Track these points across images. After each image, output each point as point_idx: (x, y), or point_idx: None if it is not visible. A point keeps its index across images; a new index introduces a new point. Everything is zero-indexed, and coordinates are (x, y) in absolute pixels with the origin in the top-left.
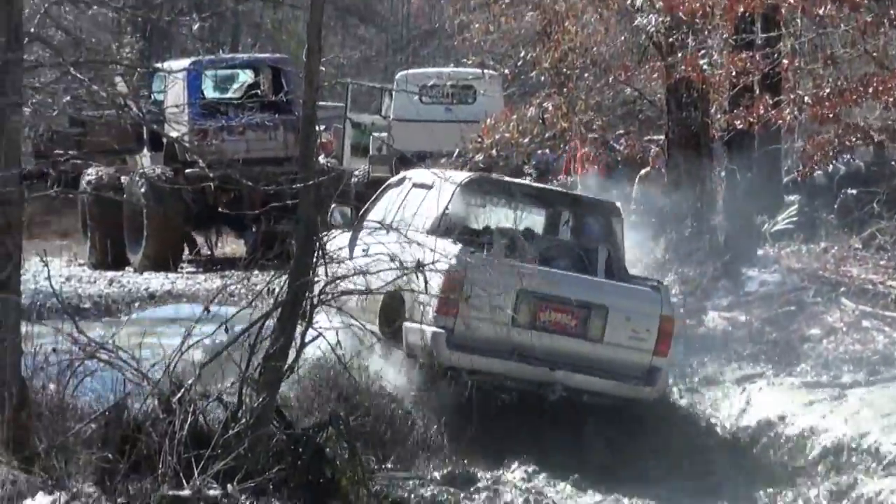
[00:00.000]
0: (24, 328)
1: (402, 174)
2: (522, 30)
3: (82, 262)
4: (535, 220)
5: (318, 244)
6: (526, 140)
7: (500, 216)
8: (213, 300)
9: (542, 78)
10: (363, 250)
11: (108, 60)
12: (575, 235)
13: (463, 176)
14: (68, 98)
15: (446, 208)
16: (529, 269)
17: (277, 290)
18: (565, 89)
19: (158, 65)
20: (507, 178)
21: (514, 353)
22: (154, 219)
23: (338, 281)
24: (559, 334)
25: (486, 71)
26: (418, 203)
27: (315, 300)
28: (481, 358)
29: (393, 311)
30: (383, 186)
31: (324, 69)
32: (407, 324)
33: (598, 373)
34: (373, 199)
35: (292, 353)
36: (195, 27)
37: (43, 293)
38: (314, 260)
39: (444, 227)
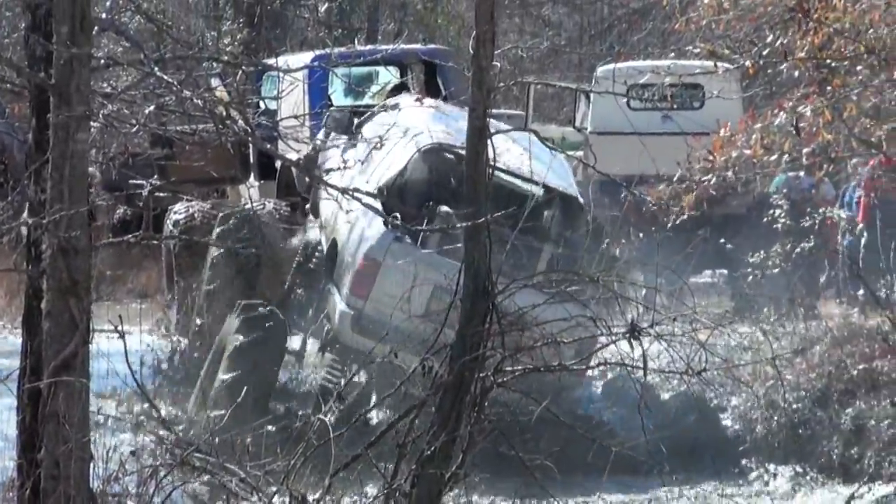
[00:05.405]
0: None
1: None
2: (769, 6)
3: (168, 332)
4: None
5: (491, 303)
6: (773, 158)
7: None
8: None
9: (797, 73)
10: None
11: (204, 56)
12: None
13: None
14: (151, 108)
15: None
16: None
17: (436, 368)
18: (829, 87)
19: (270, 61)
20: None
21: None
22: (265, 271)
23: (518, 355)
24: None
25: (718, 63)
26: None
27: (489, 381)
28: (381, 346)
29: None
30: (379, 106)
31: (497, 64)
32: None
33: None
34: (367, 115)
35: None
36: (322, 8)
37: (119, 375)
38: (487, 325)
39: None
